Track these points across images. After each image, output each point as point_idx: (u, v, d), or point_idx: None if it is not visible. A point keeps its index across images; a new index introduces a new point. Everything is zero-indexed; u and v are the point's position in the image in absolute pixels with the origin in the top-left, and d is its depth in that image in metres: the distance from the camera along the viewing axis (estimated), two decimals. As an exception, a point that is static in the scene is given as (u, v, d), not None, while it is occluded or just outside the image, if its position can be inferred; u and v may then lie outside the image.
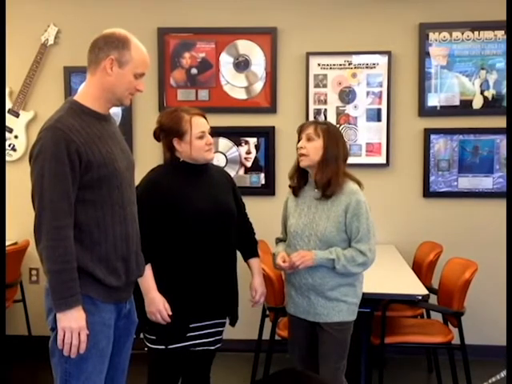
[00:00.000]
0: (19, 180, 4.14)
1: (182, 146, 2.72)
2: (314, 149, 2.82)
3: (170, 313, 2.66)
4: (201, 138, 2.71)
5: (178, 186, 2.71)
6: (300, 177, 2.94)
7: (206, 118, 2.78)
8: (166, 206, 2.66)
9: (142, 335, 2.76)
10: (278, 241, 3.08)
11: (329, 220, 2.81)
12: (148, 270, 2.63)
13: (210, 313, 2.76)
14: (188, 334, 2.72)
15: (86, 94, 2.26)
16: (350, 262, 2.76)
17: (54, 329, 2.14)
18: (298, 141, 2.90)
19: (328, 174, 2.80)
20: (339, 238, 2.81)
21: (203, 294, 2.71)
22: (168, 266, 2.69)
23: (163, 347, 2.71)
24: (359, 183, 2.88)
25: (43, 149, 2.11)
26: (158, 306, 2.64)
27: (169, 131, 2.73)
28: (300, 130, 2.91)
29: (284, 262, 2.82)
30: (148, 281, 2.65)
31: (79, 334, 2.10)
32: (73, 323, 2.08)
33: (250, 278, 2.93)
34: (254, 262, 2.95)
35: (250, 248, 2.96)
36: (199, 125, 2.72)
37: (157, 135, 2.79)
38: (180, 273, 2.69)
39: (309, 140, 2.84)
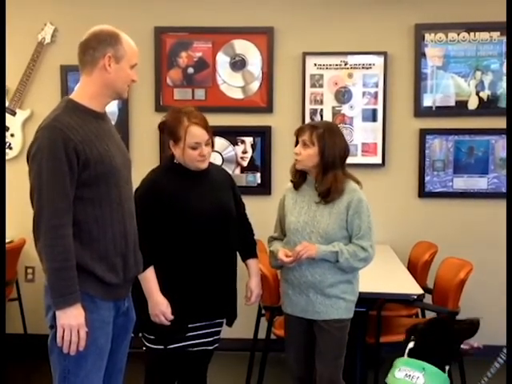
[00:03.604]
0: (15, 178, 4.14)
1: (176, 150, 2.70)
2: (308, 156, 2.83)
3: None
4: (194, 148, 2.65)
5: (177, 186, 2.70)
6: (299, 175, 2.95)
7: (206, 128, 2.68)
8: (166, 206, 2.65)
9: (140, 334, 2.76)
10: (272, 239, 3.05)
11: (331, 217, 2.82)
12: (150, 272, 2.64)
13: (208, 313, 2.76)
14: (187, 334, 2.72)
15: (83, 92, 2.27)
16: (353, 256, 2.77)
17: (53, 326, 2.15)
18: (296, 142, 2.91)
19: (327, 182, 2.81)
20: (340, 234, 2.82)
21: (202, 293, 2.70)
22: (167, 266, 2.68)
23: (162, 347, 2.71)
24: (358, 182, 2.89)
25: (41, 147, 2.11)
26: (162, 308, 2.64)
27: (166, 131, 2.73)
28: (297, 134, 2.91)
29: (287, 256, 2.80)
30: (151, 283, 2.65)
31: (78, 332, 2.11)
32: (72, 320, 2.09)
33: (247, 278, 2.93)
34: (252, 262, 2.93)
35: (249, 248, 2.94)
36: (194, 136, 2.64)
37: (160, 129, 2.78)
38: (179, 272, 2.68)
39: (304, 146, 2.85)
